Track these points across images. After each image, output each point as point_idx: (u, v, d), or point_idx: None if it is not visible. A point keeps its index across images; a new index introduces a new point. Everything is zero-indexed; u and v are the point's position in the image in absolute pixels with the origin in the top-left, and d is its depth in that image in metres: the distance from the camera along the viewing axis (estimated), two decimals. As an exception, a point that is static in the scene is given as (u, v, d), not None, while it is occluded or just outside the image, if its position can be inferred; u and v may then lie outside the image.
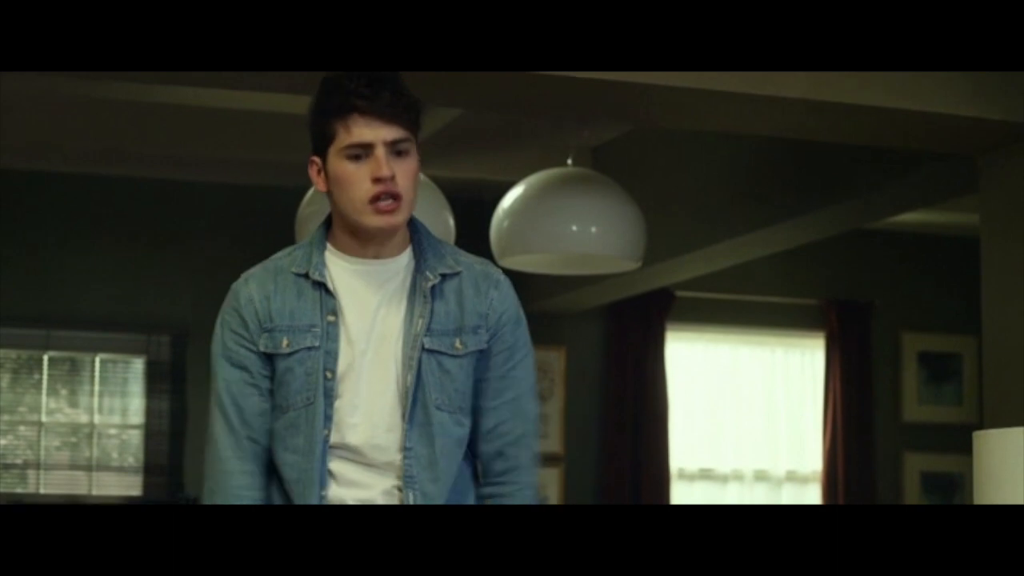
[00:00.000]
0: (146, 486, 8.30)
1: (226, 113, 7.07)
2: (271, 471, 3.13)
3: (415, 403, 3.06)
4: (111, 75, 4.87)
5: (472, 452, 3.17)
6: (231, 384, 3.11)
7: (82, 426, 8.34)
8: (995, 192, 5.39)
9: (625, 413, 8.88)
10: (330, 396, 3.06)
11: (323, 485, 3.06)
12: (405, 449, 3.06)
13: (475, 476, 3.19)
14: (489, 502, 3.15)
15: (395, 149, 3.04)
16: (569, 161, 6.69)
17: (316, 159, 3.09)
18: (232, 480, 3.09)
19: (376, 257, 3.11)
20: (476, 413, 3.15)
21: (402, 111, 3.03)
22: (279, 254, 3.19)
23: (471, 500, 3.16)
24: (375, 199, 3.03)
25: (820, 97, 4.94)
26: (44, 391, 8.32)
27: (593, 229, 6.37)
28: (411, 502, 3.05)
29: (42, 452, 8.26)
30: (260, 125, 7.22)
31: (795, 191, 6.78)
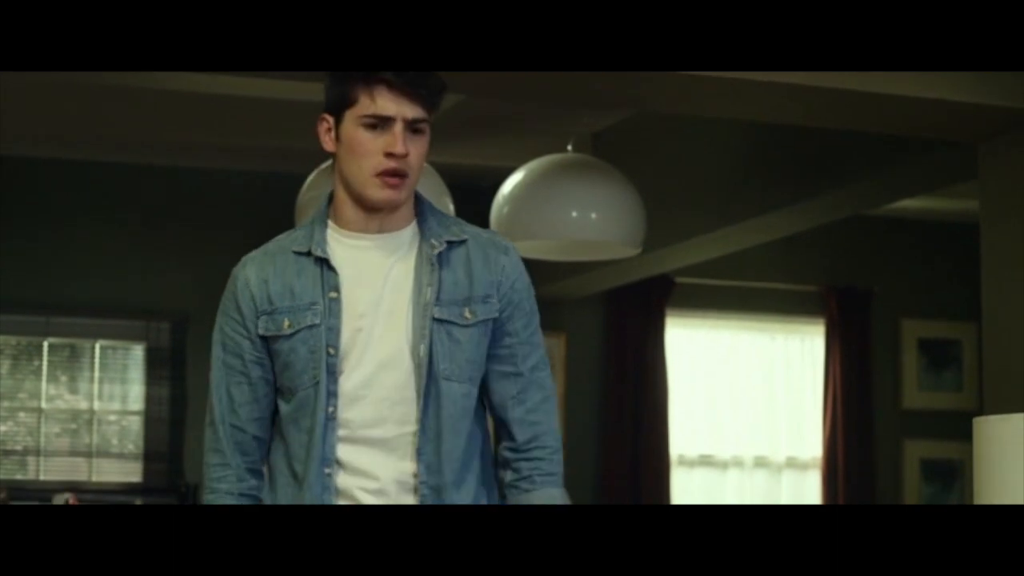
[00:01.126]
0: (146, 473, 8.31)
1: (226, 99, 7.06)
2: (278, 457, 3.14)
3: (428, 375, 3.05)
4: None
5: (495, 420, 3.16)
6: (224, 372, 3.13)
7: (82, 412, 8.34)
8: (995, 179, 5.39)
9: (625, 399, 8.88)
10: (334, 373, 3.05)
11: (327, 463, 3.05)
12: (418, 421, 3.05)
13: (487, 440, 3.18)
14: (520, 469, 3.12)
15: (412, 127, 3.04)
16: (569, 147, 6.68)
17: (328, 117, 3.08)
18: (209, 472, 3.13)
19: (380, 231, 3.11)
20: (496, 380, 3.14)
21: (428, 91, 3.04)
22: (280, 236, 3.19)
23: (477, 466, 3.14)
24: (383, 172, 3.02)
25: (820, 83, 4.94)
26: (44, 377, 8.32)
27: (593, 215, 6.37)
28: (420, 475, 3.05)
29: (42, 438, 8.26)
30: (260, 111, 7.22)
31: (795, 177, 6.78)
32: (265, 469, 3.17)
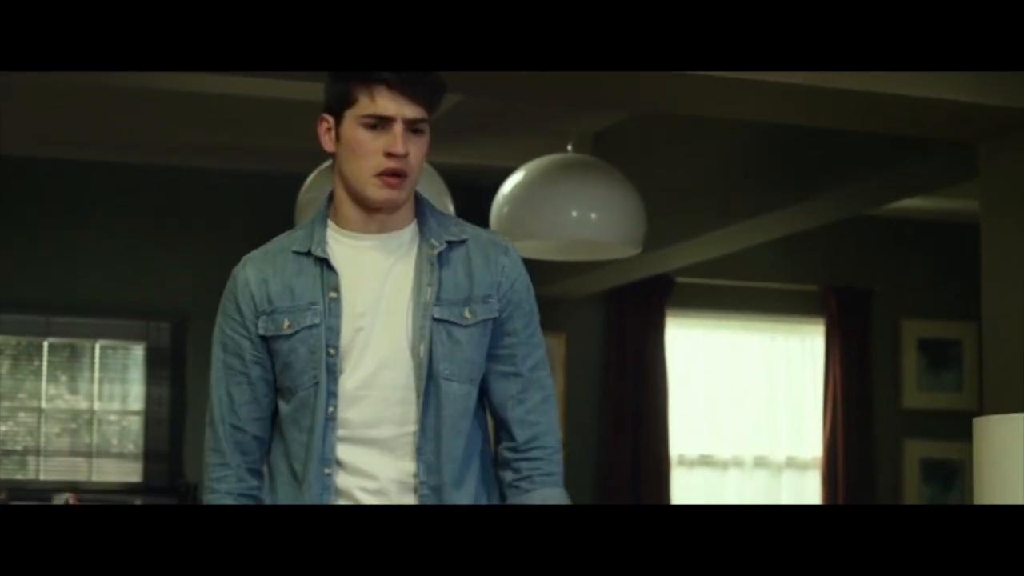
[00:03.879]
0: (146, 473, 8.31)
1: (226, 99, 7.06)
2: (277, 456, 3.14)
3: (429, 376, 3.06)
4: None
5: (495, 419, 3.17)
6: (224, 372, 3.12)
7: (82, 412, 8.34)
8: (995, 178, 5.39)
9: (625, 399, 8.88)
10: (333, 372, 3.05)
11: (327, 463, 3.04)
12: (417, 422, 3.05)
13: (487, 440, 3.18)
14: (520, 468, 3.12)
15: (412, 127, 3.04)
16: (569, 147, 6.68)
17: (328, 117, 3.08)
18: (209, 472, 3.13)
19: (380, 231, 3.10)
20: (496, 380, 3.14)
21: (427, 91, 3.04)
22: (280, 236, 3.19)
23: (477, 465, 3.13)
24: (383, 172, 3.02)
25: (820, 83, 4.93)
26: (44, 377, 8.32)
27: (593, 215, 6.37)
28: (420, 475, 3.05)
29: (42, 438, 8.26)
30: (260, 111, 7.22)
31: (795, 177, 6.78)
32: (265, 469, 3.17)
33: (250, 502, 3.12)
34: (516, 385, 3.14)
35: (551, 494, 3.13)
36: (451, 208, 6.20)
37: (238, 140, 7.93)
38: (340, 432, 3.05)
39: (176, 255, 8.35)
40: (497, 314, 3.12)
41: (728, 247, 7.79)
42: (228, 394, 3.11)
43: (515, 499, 3.13)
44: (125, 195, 8.35)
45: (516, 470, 3.14)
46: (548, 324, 9.56)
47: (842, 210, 7.11)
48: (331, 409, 3.04)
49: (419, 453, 3.05)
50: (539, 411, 3.15)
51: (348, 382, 3.06)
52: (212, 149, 8.13)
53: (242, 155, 8.22)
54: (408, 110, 3.02)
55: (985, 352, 5.39)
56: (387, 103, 3.01)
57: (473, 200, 7.09)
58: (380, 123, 3.02)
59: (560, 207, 6.36)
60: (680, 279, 8.91)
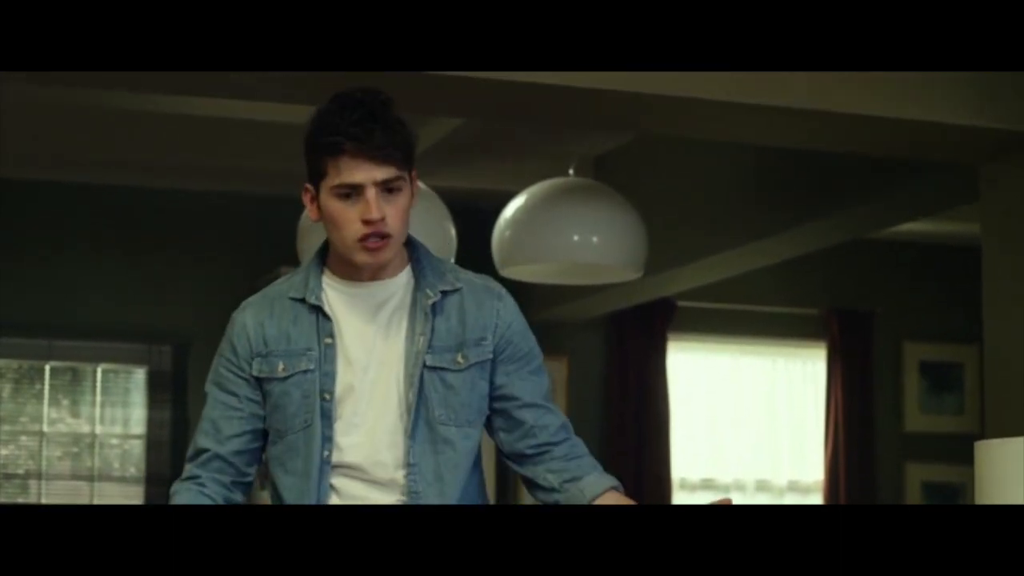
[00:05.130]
0: (148, 496, 8.30)
1: (229, 123, 7.07)
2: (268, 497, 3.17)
3: (418, 420, 3.07)
4: (112, 79, 4.86)
5: (510, 458, 3.19)
6: (214, 407, 3.15)
7: (84, 436, 8.34)
8: (996, 201, 5.40)
9: (627, 423, 8.88)
10: (328, 417, 3.07)
11: (322, 504, 3.07)
12: (409, 465, 3.07)
13: (482, 483, 3.19)
14: (563, 481, 3.18)
15: (386, 187, 3.01)
16: (571, 171, 6.69)
17: (309, 187, 3.07)
18: (177, 483, 3.21)
19: (373, 279, 3.11)
20: (506, 417, 3.15)
21: (393, 150, 2.99)
22: (278, 281, 3.20)
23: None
24: (363, 238, 3.02)
25: (821, 107, 4.94)
26: (46, 401, 8.31)
27: (595, 239, 6.38)
28: None
29: (43, 462, 8.26)
30: (263, 135, 7.23)
31: (797, 200, 6.78)
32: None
33: (207, 501, 3.16)
34: (528, 417, 3.16)
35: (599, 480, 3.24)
36: (453, 233, 6.20)
37: (240, 163, 7.94)
38: (336, 473, 3.08)
39: (178, 278, 8.35)
40: (491, 355, 3.12)
41: (730, 270, 7.79)
42: (215, 426, 3.14)
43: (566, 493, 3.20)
44: (127, 218, 8.35)
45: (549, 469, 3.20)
46: (550, 347, 9.55)
47: (843, 233, 7.11)
48: (326, 453, 3.07)
49: (416, 497, 3.07)
50: (561, 433, 3.21)
51: (342, 427, 3.08)
52: (214, 172, 8.13)
53: (244, 178, 8.22)
54: (377, 173, 2.98)
55: (987, 375, 5.39)
56: (353, 171, 2.98)
57: (474, 224, 7.09)
58: (352, 191, 3.00)
59: (562, 231, 6.37)
60: (682, 303, 8.91)
